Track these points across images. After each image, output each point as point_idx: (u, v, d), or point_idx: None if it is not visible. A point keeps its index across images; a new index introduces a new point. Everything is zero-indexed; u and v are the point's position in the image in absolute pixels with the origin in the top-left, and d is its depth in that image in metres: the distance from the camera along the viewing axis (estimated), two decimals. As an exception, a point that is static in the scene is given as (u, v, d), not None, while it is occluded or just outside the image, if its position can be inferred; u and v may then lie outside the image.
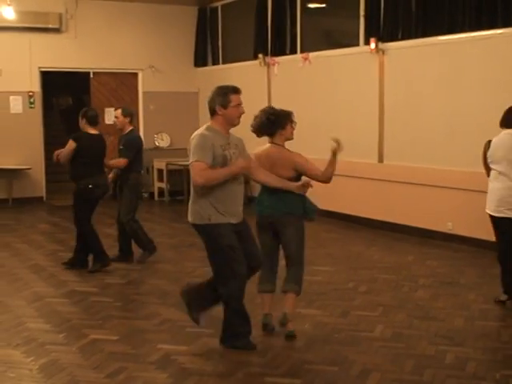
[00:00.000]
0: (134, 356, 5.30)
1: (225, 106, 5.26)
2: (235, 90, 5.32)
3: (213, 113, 5.33)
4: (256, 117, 5.73)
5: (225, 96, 5.27)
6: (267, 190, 5.67)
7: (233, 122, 5.34)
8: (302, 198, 5.72)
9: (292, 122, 5.83)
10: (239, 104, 5.31)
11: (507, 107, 6.77)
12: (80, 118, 8.15)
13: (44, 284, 7.58)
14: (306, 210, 5.76)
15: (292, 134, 5.89)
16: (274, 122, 5.67)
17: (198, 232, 5.40)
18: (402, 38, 10.15)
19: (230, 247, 5.27)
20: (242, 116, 5.38)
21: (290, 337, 5.66)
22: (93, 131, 8.13)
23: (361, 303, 6.72)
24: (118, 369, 5.03)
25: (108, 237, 9.17)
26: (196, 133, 5.30)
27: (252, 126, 5.71)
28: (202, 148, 5.17)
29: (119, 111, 8.54)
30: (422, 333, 5.80)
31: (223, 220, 5.27)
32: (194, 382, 4.80)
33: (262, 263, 5.60)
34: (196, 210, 5.30)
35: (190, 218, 5.37)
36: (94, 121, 8.17)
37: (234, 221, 5.33)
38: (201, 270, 7.96)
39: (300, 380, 4.84)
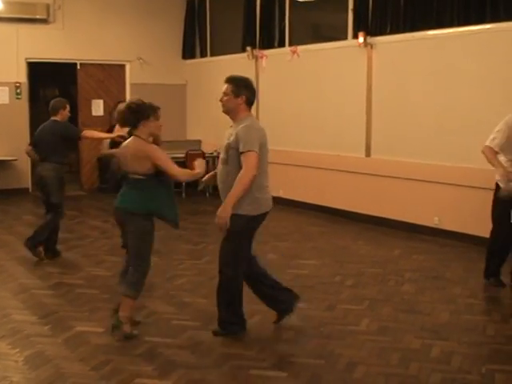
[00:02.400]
0: (120, 348, 5.29)
1: None
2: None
3: None
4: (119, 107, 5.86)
5: None
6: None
7: None
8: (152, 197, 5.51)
9: (157, 116, 5.57)
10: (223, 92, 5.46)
11: None
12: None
13: (30, 276, 7.54)
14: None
15: (159, 129, 5.68)
16: (135, 112, 5.48)
17: None
18: (391, 33, 10.15)
19: None
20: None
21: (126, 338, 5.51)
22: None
23: (347, 297, 6.73)
24: (103, 361, 5.02)
25: (95, 229, 9.17)
26: None
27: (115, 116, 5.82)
28: None
29: None
30: (408, 326, 5.82)
31: None
32: (180, 375, 4.79)
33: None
34: None
35: None
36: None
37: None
38: (187, 263, 7.99)
39: (286, 373, 4.85)
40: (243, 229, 5.38)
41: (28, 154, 8.68)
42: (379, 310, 6.28)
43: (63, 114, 8.42)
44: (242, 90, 5.39)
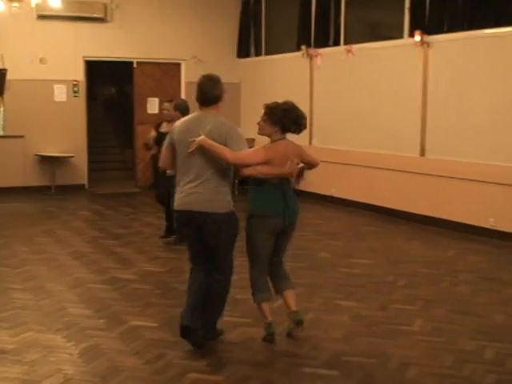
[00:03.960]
0: (173, 343, 5.33)
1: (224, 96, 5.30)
2: None
3: (218, 100, 5.22)
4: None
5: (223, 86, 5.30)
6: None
7: None
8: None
9: None
10: None
11: None
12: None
13: (85, 270, 7.67)
14: None
15: None
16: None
17: (217, 220, 5.16)
18: (448, 31, 10.02)
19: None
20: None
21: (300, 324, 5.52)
22: None
23: (400, 297, 6.67)
24: (157, 355, 5.09)
25: (149, 226, 9.27)
26: (229, 123, 5.25)
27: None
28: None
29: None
30: (462, 328, 5.75)
31: None
32: (232, 371, 4.82)
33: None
34: (221, 199, 5.19)
35: (208, 209, 5.13)
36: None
37: None
38: (239, 261, 7.98)
39: (338, 371, 4.83)
40: None
41: None
42: (433, 311, 6.21)
43: None
44: None
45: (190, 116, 5.39)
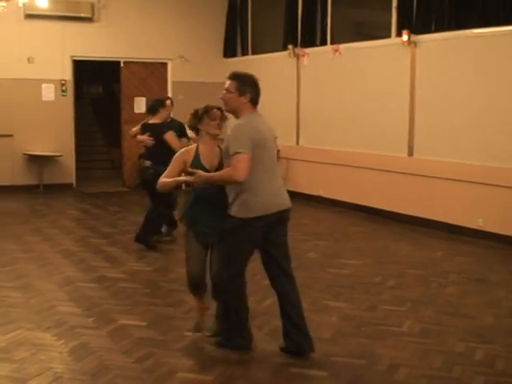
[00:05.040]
0: (161, 342, 5.33)
1: None
2: None
3: None
4: None
5: None
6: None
7: None
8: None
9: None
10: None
11: None
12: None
13: (74, 269, 7.66)
14: None
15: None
16: None
17: None
18: (435, 31, 10.05)
19: None
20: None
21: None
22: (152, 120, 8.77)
23: (388, 298, 6.68)
24: (146, 354, 5.07)
25: (136, 224, 9.24)
26: None
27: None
28: None
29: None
30: (452, 329, 5.75)
31: None
32: (221, 371, 4.81)
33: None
34: None
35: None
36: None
37: None
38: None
39: (327, 372, 4.83)
40: (233, 230, 4.99)
41: None
42: (422, 312, 6.21)
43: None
44: (247, 88, 4.98)
45: (253, 116, 5.01)
